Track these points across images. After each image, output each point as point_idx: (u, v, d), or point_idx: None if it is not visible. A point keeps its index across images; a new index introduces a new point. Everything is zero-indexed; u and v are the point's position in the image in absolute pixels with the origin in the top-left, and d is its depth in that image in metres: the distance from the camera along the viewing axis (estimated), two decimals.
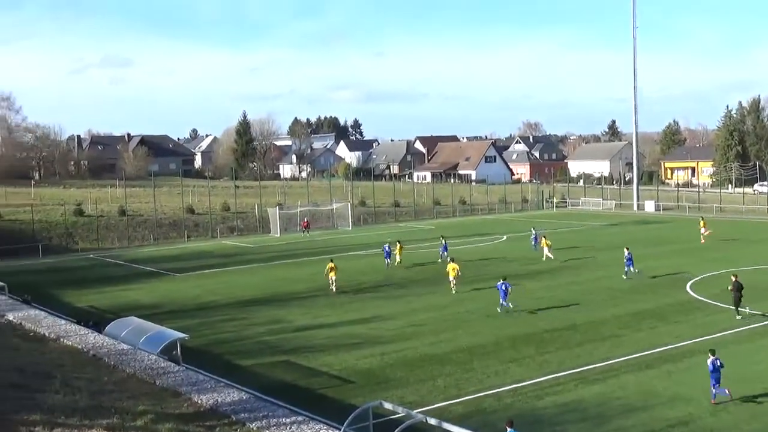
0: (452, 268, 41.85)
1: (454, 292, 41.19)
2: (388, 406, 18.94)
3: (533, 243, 57.41)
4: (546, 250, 53.25)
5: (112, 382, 22.52)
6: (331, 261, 45.04)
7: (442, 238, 57.18)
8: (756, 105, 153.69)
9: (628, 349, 28.92)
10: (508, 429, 18.41)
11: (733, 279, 34.15)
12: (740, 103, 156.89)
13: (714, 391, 22.89)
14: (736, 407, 22.36)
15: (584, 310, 36.39)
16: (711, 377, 23.00)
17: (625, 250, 45.49)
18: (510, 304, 36.15)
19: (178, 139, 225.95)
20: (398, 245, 53.85)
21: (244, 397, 20.99)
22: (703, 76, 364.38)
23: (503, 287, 36.04)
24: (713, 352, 23.51)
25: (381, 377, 26.68)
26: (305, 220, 77.69)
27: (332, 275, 43.73)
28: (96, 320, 34.13)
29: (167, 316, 37.10)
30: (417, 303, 39.43)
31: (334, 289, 43.32)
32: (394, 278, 47.54)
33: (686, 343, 29.66)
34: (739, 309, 33.69)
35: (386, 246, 53.47)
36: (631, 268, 44.43)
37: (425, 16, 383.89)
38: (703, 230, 61.04)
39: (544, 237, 55.25)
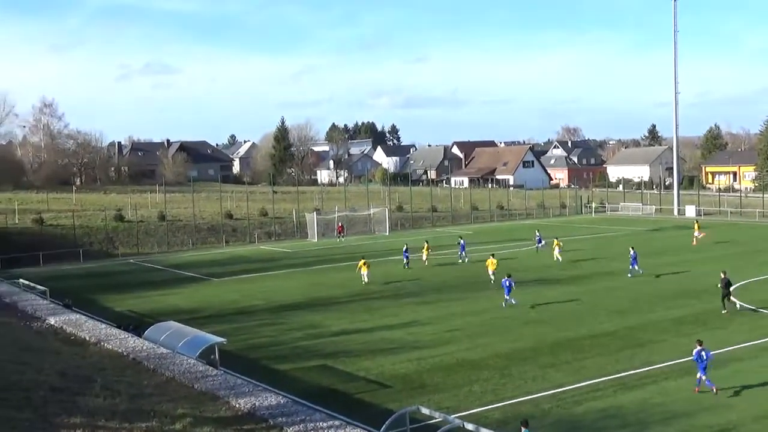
0: (491, 263, 45.51)
1: (491, 282, 43.95)
2: (425, 411, 18.87)
3: (538, 244, 59.21)
4: (556, 251, 54.50)
5: (152, 385, 22.73)
6: (363, 257, 49.78)
7: (460, 238, 58.04)
8: None
9: (669, 355, 28.53)
10: (523, 429, 18.33)
11: (722, 276, 36.74)
12: None
13: (700, 375, 24.12)
14: None
15: (624, 316, 36.00)
16: (698, 366, 24.29)
17: (630, 249, 46.67)
18: (513, 299, 38.36)
19: (217, 145, 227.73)
20: (425, 245, 55.56)
21: (282, 401, 21.05)
22: (745, 80, 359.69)
23: (507, 283, 38.69)
24: (700, 342, 24.71)
25: (418, 382, 26.60)
26: (339, 224, 77.93)
27: (365, 270, 47.58)
28: (136, 324, 34.52)
29: (205, 321, 37.39)
30: (454, 308, 39.29)
31: (366, 281, 47.30)
32: (430, 283, 47.41)
33: (728, 349, 29.19)
34: (725, 303, 36.04)
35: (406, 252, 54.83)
36: (635, 267, 46.28)
37: (466, 21, 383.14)
38: (696, 233, 61.04)
39: (556, 239, 56.77)
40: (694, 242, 61.13)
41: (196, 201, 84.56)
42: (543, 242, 59.76)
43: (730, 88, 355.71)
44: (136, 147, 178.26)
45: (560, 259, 53.88)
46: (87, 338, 29.87)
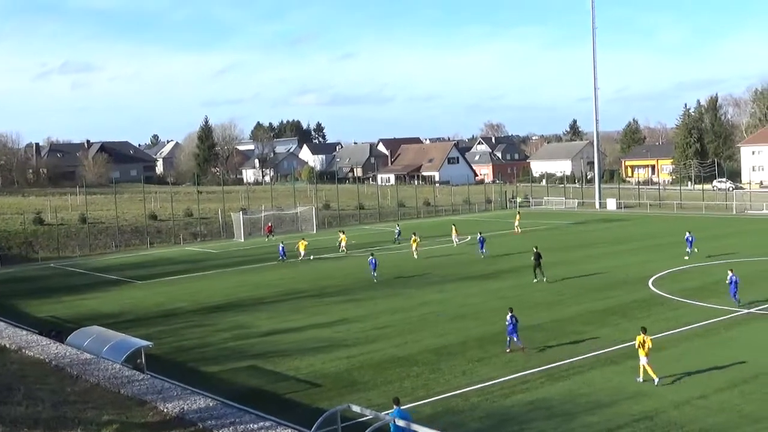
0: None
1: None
2: (355, 409, 18.86)
3: (480, 247, 56.49)
4: (413, 247, 56.09)
5: (76, 392, 22.22)
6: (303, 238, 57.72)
7: (480, 233, 57.85)
8: (714, 103, 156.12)
9: (593, 346, 29.16)
10: (395, 407, 18.65)
11: (534, 249, 44.48)
12: (698, 101, 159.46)
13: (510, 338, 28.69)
14: (700, 401, 22.62)
15: (549, 309, 36.66)
16: (508, 329, 28.82)
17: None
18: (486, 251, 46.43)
19: (139, 145, 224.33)
20: (413, 236, 57.21)
21: (211, 404, 20.81)
22: (662, 75, 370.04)
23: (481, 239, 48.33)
24: (511, 310, 29.22)
25: (348, 380, 26.61)
26: (269, 224, 77.52)
27: (302, 249, 56.57)
28: (58, 330, 33.65)
29: (131, 325, 36.72)
30: (383, 305, 39.43)
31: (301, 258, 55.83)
32: (359, 280, 47.49)
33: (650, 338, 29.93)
34: (536, 273, 43.65)
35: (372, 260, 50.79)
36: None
37: (393, 17, 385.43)
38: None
39: (414, 234, 58.65)
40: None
41: (118, 202, 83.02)
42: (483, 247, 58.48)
43: (647, 84, 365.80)
44: (55, 148, 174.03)
45: (416, 256, 55.54)
46: (7, 345, 29.02)
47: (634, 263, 48.89)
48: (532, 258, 44.33)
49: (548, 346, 29.60)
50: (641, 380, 24.55)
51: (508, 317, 29.15)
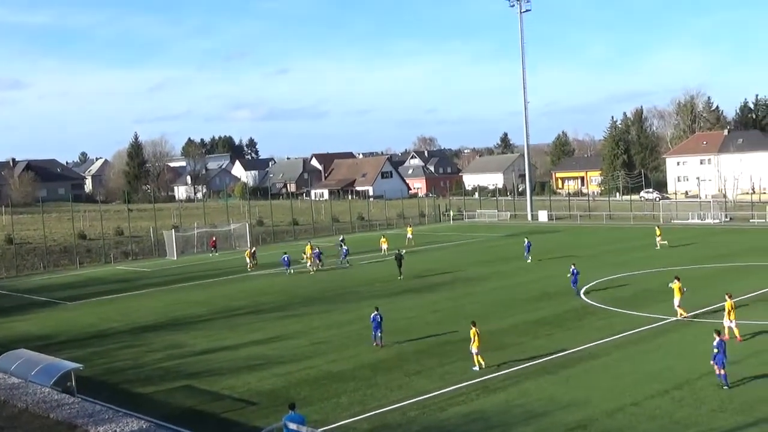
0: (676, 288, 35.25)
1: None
2: (292, 426, 18.77)
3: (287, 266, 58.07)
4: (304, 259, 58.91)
5: (3, 417, 21.61)
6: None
7: (526, 238, 60.55)
8: (639, 115, 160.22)
9: (528, 357, 29.49)
10: (291, 411, 19.29)
11: (397, 251, 52.25)
12: (625, 113, 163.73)
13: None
14: (632, 408, 23.05)
15: (484, 320, 36.85)
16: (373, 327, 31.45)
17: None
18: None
19: (67, 163, 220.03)
20: (384, 237, 64.12)
21: (144, 426, 20.46)
22: (590, 89, 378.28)
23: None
24: (377, 308, 32.13)
25: (285, 397, 26.36)
26: (213, 238, 76.97)
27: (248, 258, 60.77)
28: None
29: (60, 347, 35.88)
30: (319, 321, 39.29)
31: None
32: (296, 296, 47.25)
33: (582, 347, 30.47)
34: (401, 271, 50.47)
35: (285, 257, 57.94)
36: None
37: (327, 32, 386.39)
38: (660, 239, 62.90)
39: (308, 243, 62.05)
40: (658, 246, 61.79)
41: (46, 222, 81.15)
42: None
43: (576, 97, 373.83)
44: None
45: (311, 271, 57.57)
46: None
47: (565, 273, 49.59)
48: (395, 258, 52.98)
49: (482, 357, 29.85)
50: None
51: (372, 315, 32.62)
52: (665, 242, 61.76)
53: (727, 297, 30.91)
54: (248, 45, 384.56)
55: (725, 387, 24.18)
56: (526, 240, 59.63)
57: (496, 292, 44.68)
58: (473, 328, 28.46)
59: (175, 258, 73.64)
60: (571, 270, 42.54)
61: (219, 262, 68.46)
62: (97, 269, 69.55)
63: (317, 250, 59.94)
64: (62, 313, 47.50)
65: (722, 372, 24.44)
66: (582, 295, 41.52)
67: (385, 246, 66.49)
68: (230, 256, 72.10)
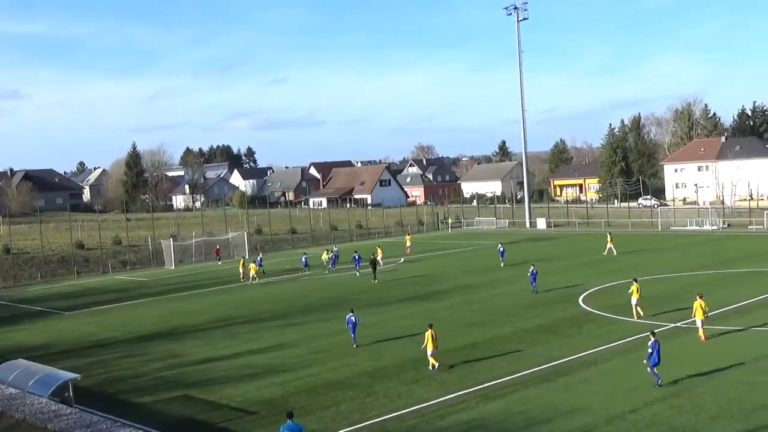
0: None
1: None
2: None
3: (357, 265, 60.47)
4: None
5: (1, 428, 21.50)
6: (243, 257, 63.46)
7: (501, 244, 62.96)
8: (637, 123, 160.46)
9: (527, 364, 29.41)
10: (289, 420, 19.34)
11: (371, 256, 53.84)
12: (622, 121, 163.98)
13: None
14: (631, 415, 22.98)
15: (483, 328, 36.93)
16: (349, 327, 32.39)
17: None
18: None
19: (65, 173, 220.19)
20: (379, 248, 64.40)
21: None
22: (587, 96, 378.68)
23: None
24: (352, 310, 33.40)
25: (283, 407, 26.22)
26: (217, 247, 77.25)
27: (242, 269, 60.02)
28: None
29: (58, 357, 35.78)
30: (318, 329, 39.21)
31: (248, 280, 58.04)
32: (295, 305, 47.19)
33: (581, 355, 30.41)
34: (375, 275, 53.34)
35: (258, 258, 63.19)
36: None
37: (324, 42, 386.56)
38: (610, 245, 63.17)
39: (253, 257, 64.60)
40: (608, 252, 63.21)
41: (44, 232, 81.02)
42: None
43: (573, 104, 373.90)
44: None
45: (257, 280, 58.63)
46: None
47: (564, 281, 49.63)
48: (369, 263, 56.10)
49: (482, 364, 29.78)
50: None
51: (347, 316, 34.48)
52: (613, 251, 62.92)
53: (697, 297, 32.33)
54: (245, 54, 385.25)
55: (657, 385, 25.34)
56: (500, 246, 61.51)
57: (494, 300, 44.63)
58: (429, 330, 29.59)
59: (173, 267, 73.55)
60: (530, 270, 46.27)
61: (218, 271, 68.38)
62: (94, 279, 69.44)
63: (333, 255, 64.48)
64: (60, 323, 47.39)
65: (654, 371, 25.61)
66: (581, 302, 41.51)
67: (380, 256, 65.71)
68: (230, 265, 72.01)
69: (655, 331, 27.61)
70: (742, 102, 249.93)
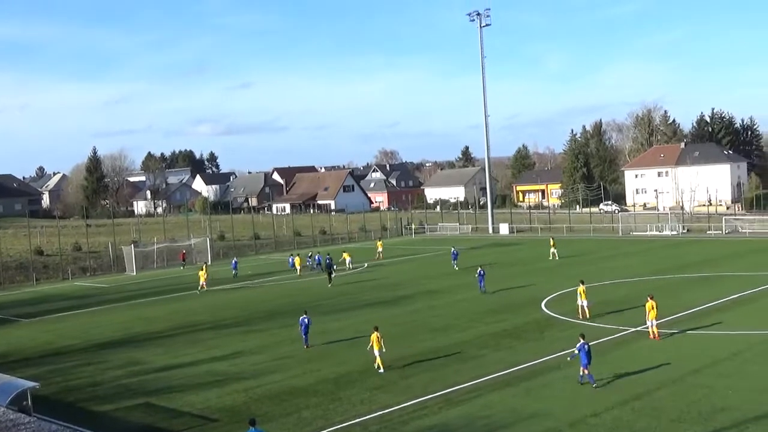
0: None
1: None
2: None
3: (317, 265, 64.98)
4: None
5: None
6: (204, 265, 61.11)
7: (453, 247, 64.63)
8: (598, 129, 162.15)
9: (490, 369, 29.51)
10: (251, 427, 19.29)
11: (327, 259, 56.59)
12: (584, 127, 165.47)
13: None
14: (593, 419, 23.16)
15: (445, 333, 37.00)
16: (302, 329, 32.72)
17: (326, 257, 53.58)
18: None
19: (24, 178, 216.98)
20: (346, 252, 66.51)
21: None
22: (549, 103, 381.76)
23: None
24: (306, 312, 33.77)
25: (245, 414, 26.05)
26: (182, 251, 76.77)
27: (203, 279, 57.66)
28: None
29: (16, 365, 35.20)
30: (281, 335, 38.99)
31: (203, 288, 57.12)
32: (258, 312, 46.92)
33: (543, 359, 30.59)
34: (330, 278, 53.82)
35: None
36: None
37: (289, 47, 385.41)
38: (553, 249, 64.28)
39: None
40: (553, 257, 65.13)
41: (2, 238, 79.86)
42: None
43: (536, 110, 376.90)
44: None
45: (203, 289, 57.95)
46: None
47: (526, 285, 49.93)
48: (325, 268, 58.80)
49: (445, 369, 29.85)
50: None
51: (300, 317, 35.37)
52: (556, 255, 64.83)
53: (648, 298, 33.30)
54: (209, 59, 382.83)
55: (594, 385, 26.15)
56: (453, 249, 63.13)
57: (458, 305, 44.76)
58: (375, 332, 30.50)
59: (135, 273, 72.80)
60: (478, 271, 48.92)
61: (181, 277, 67.81)
62: (54, 285, 68.49)
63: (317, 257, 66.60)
64: (18, 330, 46.63)
65: (586, 372, 26.40)
66: (543, 307, 41.80)
67: (348, 259, 66.49)
68: (192, 271, 71.46)
69: (582, 333, 28.47)
70: (701, 109, 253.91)
